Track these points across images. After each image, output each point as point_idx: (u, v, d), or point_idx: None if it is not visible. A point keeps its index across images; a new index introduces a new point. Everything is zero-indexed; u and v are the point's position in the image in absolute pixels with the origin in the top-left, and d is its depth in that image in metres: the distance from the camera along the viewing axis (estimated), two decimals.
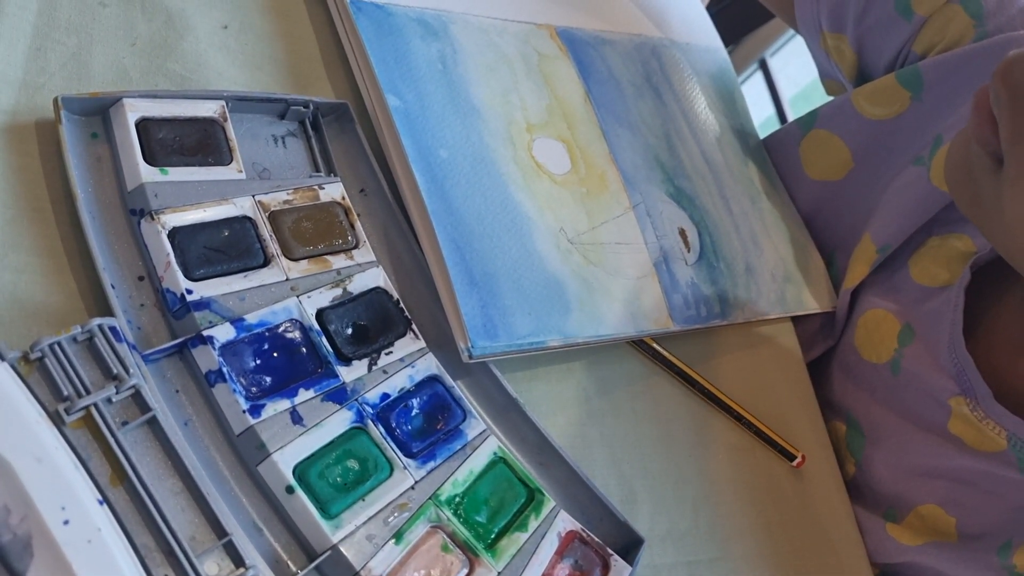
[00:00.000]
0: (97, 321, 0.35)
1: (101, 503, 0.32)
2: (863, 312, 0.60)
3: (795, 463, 0.53)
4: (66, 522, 0.30)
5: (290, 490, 0.36)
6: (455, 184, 0.45)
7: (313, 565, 0.35)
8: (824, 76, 0.68)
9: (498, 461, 0.41)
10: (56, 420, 0.33)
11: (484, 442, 0.41)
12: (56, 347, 0.33)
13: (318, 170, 0.45)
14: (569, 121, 0.52)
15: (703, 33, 0.66)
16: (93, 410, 0.33)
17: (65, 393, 0.33)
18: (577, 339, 0.45)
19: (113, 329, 0.35)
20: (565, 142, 0.51)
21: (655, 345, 0.51)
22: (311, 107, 0.45)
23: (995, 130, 0.40)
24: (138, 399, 0.34)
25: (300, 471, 0.36)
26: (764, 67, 1.65)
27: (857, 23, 0.59)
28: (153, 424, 0.35)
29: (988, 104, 0.40)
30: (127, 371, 0.34)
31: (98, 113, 0.40)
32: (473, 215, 0.44)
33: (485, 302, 0.43)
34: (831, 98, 0.68)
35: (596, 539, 0.42)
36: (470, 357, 0.41)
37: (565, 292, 0.46)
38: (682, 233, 0.54)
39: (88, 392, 0.33)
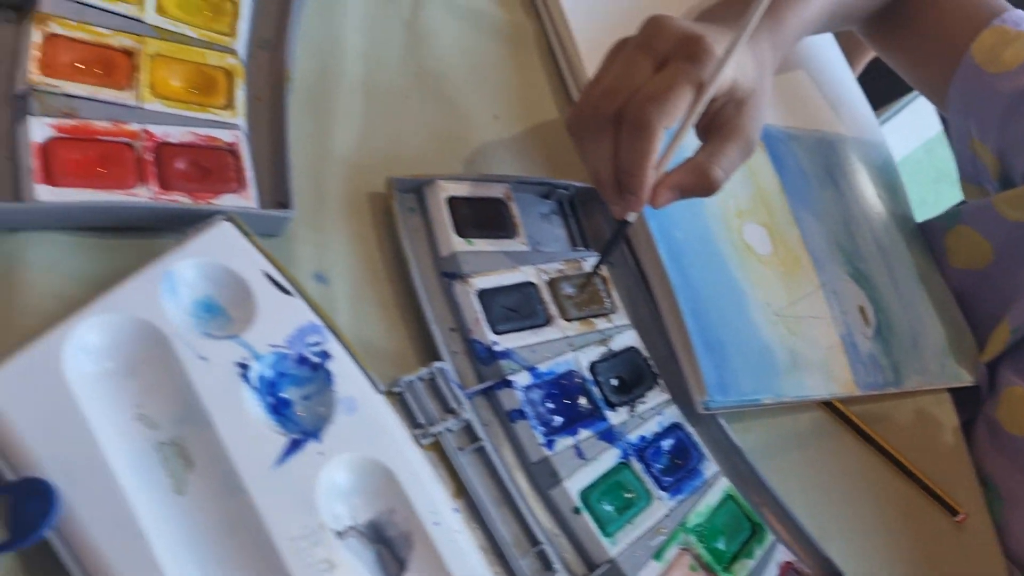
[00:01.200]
0: (438, 365, 0.43)
1: (455, 511, 0.40)
2: (1004, 388, 0.66)
3: (958, 519, 0.59)
4: (436, 523, 0.39)
5: (576, 511, 0.44)
6: (690, 262, 0.53)
7: (595, 575, 0.43)
8: (965, 179, 0.74)
9: (728, 498, 0.49)
10: (416, 443, 0.41)
11: (717, 481, 0.49)
12: (412, 384, 0.42)
13: (575, 244, 0.53)
14: (768, 208, 0.60)
15: (870, 129, 0.73)
16: (441, 437, 0.42)
17: (419, 421, 0.42)
18: (784, 398, 0.53)
19: (445, 371, 0.44)
20: (766, 227, 0.59)
21: (840, 407, 0.58)
22: (571, 190, 0.53)
23: None
24: (468, 430, 0.43)
25: (584, 496, 0.44)
26: None
27: (999, 137, 0.66)
28: (480, 452, 0.43)
29: None
30: (461, 406, 0.43)
31: (412, 191, 0.49)
32: (705, 288, 0.53)
33: (718, 363, 0.51)
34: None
35: (808, 571, 0.49)
36: (706, 409, 0.49)
37: (775, 358, 0.54)
38: (861, 310, 0.61)
39: (435, 423, 0.42)
